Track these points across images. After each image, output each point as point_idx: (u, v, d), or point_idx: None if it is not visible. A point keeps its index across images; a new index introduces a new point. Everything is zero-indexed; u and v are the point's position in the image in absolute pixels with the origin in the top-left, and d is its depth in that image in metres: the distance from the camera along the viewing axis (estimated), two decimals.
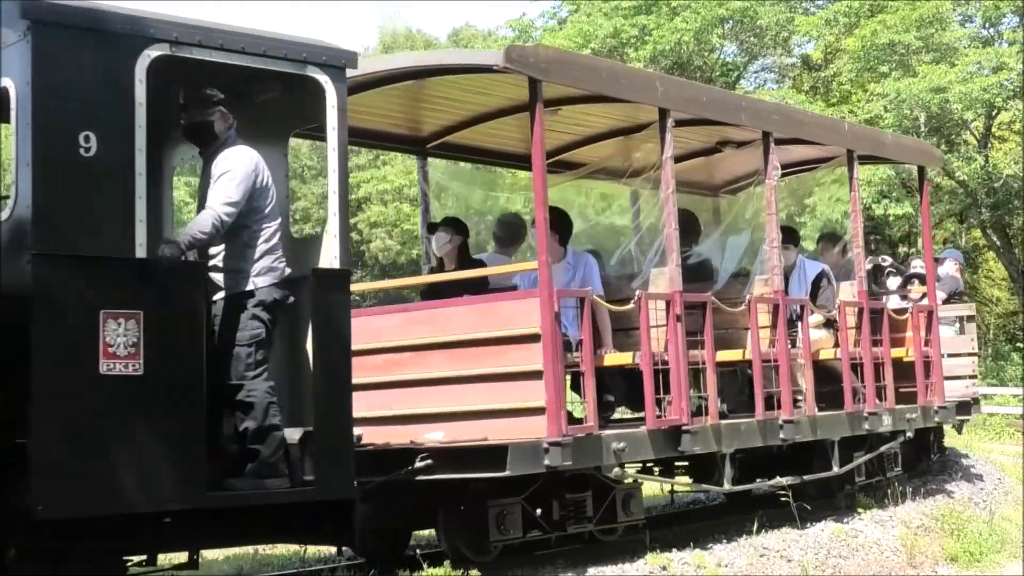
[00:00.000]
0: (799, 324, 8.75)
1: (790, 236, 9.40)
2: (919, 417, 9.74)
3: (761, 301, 8.11)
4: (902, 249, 32.66)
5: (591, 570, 6.79)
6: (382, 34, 48.02)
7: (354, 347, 5.86)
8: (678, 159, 9.31)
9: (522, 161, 9.50)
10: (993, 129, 27.59)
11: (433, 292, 7.84)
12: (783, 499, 8.25)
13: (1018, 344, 28.79)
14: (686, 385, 7.19)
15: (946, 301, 11.58)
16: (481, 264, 7.91)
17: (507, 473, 6.16)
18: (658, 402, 7.13)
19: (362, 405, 6.74)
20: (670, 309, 7.20)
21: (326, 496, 5.51)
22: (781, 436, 8.08)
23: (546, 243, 6.58)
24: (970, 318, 11.44)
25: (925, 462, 11.60)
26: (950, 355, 10.91)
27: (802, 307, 8.62)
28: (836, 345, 9.10)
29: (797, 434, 8.18)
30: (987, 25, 27.23)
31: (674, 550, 7.29)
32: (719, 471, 7.74)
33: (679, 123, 7.84)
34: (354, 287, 6.85)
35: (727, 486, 7.73)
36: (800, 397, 8.45)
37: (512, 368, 6.58)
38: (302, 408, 5.69)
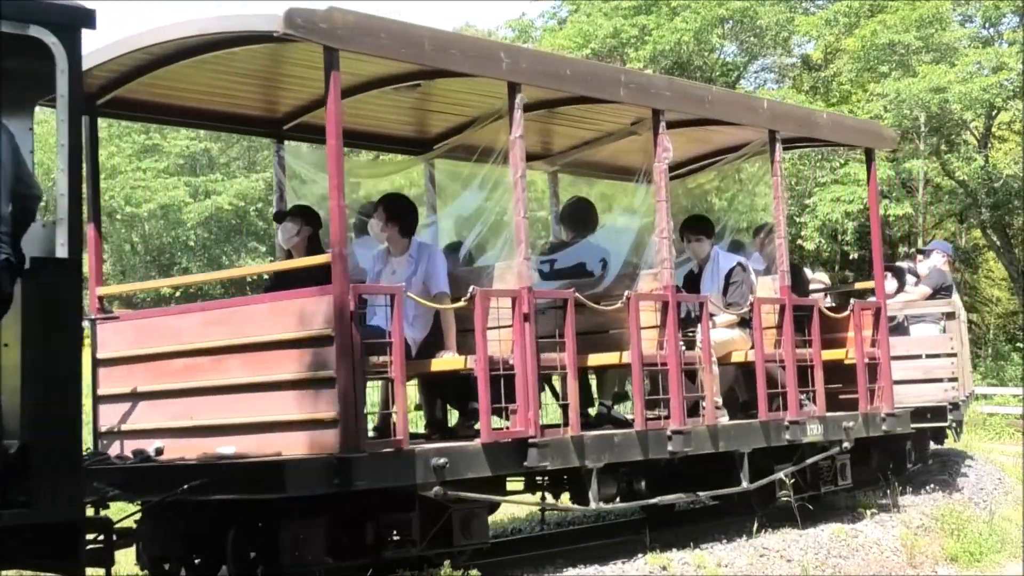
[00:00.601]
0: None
1: (702, 227, 8.68)
2: (859, 426, 8.81)
3: (646, 298, 7.24)
4: (902, 249, 32.70)
5: (591, 570, 6.80)
6: None
7: (152, 350, 5.52)
8: (588, 143, 8.84)
9: (394, 143, 9.18)
10: (993, 129, 27.60)
11: (280, 287, 6.81)
12: (783, 499, 8.24)
13: (1018, 344, 28.80)
14: (534, 393, 6.36)
15: (933, 297, 11.06)
16: None
17: (287, 494, 5.46)
18: (504, 411, 6.37)
19: (164, 414, 6.36)
20: (516, 307, 6.36)
21: (39, 519, 4.68)
22: (669, 448, 7.17)
23: (340, 232, 5.84)
24: (950, 315, 10.72)
25: (904, 471, 11.09)
26: (928, 356, 10.54)
27: (702, 304, 7.73)
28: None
29: (689, 446, 7.25)
30: (987, 25, 27.25)
31: (674, 550, 7.29)
32: (587, 487, 6.86)
33: (576, 101, 7.43)
34: (123, 288, 6.16)
35: (595, 504, 6.86)
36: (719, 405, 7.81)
37: (304, 375, 5.81)
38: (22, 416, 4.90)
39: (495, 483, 6.67)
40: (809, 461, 8.53)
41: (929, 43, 24.93)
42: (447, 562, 6.42)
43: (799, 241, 26.07)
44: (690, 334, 7.72)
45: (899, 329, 10.84)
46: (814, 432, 8.36)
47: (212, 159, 36.83)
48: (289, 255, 7.27)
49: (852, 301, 9.41)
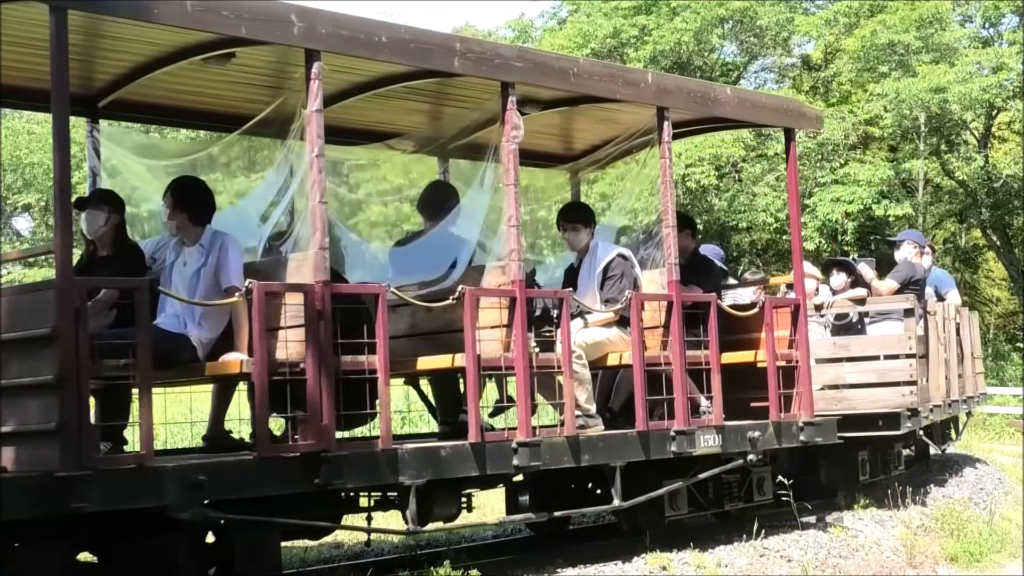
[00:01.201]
0: (578, 321, 7.34)
1: (579, 215, 7.87)
2: (769, 436, 7.92)
3: (487, 293, 6.53)
4: None
5: (591, 570, 6.79)
6: None
7: None
8: (483, 125, 7.53)
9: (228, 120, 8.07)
10: (993, 129, 27.60)
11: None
12: (784, 499, 8.24)
13: (1018, 344, 28.81)
14: (329, 400, 5.61)
15: (901, 291, 10.07)
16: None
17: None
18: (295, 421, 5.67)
19: None
20: (308, 303, 5.77)
21: None
22: (515, 463, 6.44)
23: (62, 219, 5.38)
24: (909, 312, 9.62)
25: (857, 483, 10.02)
26: (887, 357, 9.54)
27: (562, 301, 6.95)
28: (646, 348, 7.37)
29: (539, 460, 6.50)
30: (987, 25, 27.25)
31: (674, 550, 7.29)
32: (405, 504, 6.17)
33: (409, 76, 6.73)
34: None
35: (411, 526, 6.12)
36: (585, 415, 7.08)
37: (24, 380, 5.11)
38: None
39: (297, 503, 5.84)
40: (703, 475, 7.67)
41: (929, 43, 24.94)
42: (447, 562, 6.41)
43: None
44: (546, 334, 6.96)
45: (852, 328, 10.09)
46: (708, 443, 7.48)
47: (212, 159, 36.80)
48: (93, 245, 6.69)
49: (763, 298, 8.64)
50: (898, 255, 10.83)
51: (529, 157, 8.60)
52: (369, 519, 6.83)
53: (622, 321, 7.38)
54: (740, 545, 7.62)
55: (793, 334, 8.23)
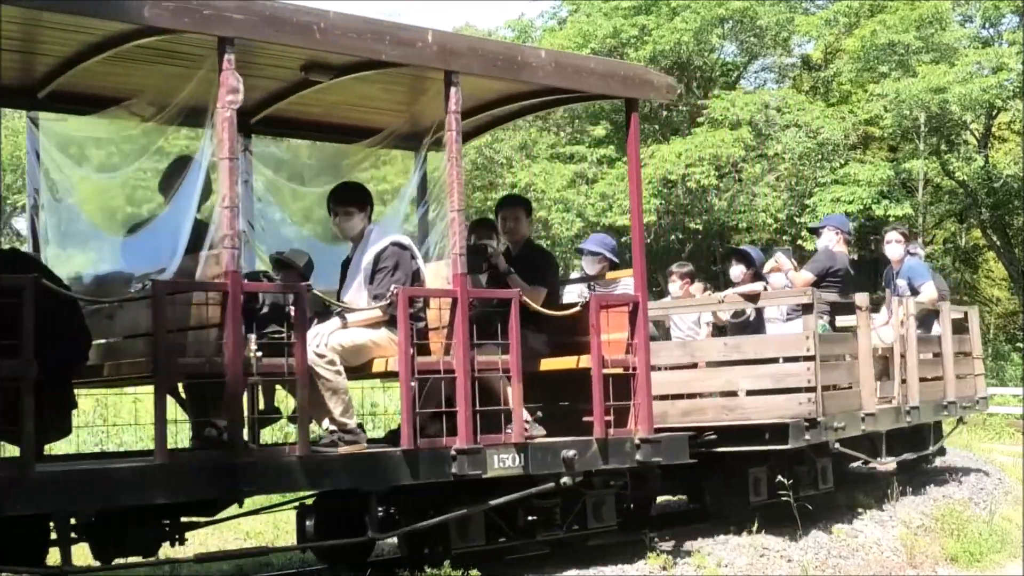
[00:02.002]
0: (335, 320, 6.36)
1: (352, 197, 6.78)
2: (592, 455, 6.79)
3: (196, 288, 5.69)
4: None
5: (591, 570, 6.79)
6: None
7: None
8: (276, 97, 6.86)
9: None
10: (993, 129, 27.60)
11: None
12: (784, 499, 8.24)
13: (1018, 344, 28.81)
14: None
15: (819, 283, 8.93)
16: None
17: None
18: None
19: None
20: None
21: None
22: (227, 488, 5.51)
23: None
24: (807, 307, 8.26)
25: (748, 506, 8.63)
26: (786, 359, 8.27)
27: (299, 296, 5.94)
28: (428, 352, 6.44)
29: (253, 484, 5.63)
30: (987, 25, 27.25)
31: (674, 550, 7.29)
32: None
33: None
34: None
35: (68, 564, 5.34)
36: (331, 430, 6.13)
37: None
38: None
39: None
40: (496, 502, 6.57)
41: (929, 43, 24.94)
42: (447, 562, 6.40)
43: (799, 242, 26.09)
44: (276, 336, 5.89)
45: (751, 327, 9.08)
46: (506, 464, 6.39)
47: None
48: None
49: (589, 293, 7.55)
50: (819, 243, 9.72)
51: (370, 134, 7.96)
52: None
53: (395, 321, 6.23)
54: (740, 545, 7.62)
55: (631, 337, 7.02)
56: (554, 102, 8.14)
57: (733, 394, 8.32)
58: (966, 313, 12.05)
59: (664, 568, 6.92)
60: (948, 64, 24.24)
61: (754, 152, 26.52)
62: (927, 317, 10.79)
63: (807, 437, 7.95)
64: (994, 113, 26.09)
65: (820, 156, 26.27)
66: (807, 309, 8.23)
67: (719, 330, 9.43)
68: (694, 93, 30.55)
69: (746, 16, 27.85)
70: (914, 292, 10.37)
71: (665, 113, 31.20)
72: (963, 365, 11.49)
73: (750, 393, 8.25)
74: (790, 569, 7.35)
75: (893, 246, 10.85)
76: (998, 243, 28.07)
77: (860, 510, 9.14)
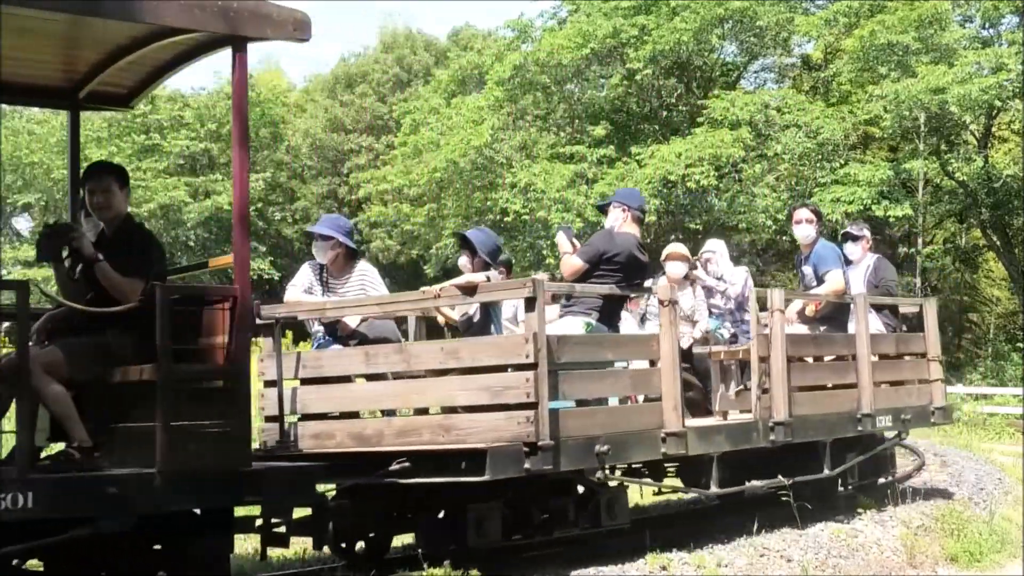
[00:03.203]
0: None
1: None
2: (149, 496, 4.92)
3: None
4: (902, 249, 32.73)
5: (591, 570, 6.79)
6: (382, 34, 48.12)
7: None
8: None
9: None
10: (993, 129, 27.60)
11: None
12: (783, 499, 8.23)
13: (1018, 344, 28.82)
14: None
15: (592, 271, 7.32)
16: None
17: None
18: None
19: None
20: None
21: None
22: None
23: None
24: (528, 301, 6.33)
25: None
26: (513, 368, 6.45)
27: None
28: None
29: None
30: (987, 25, 27.24)
31: (674, 550, 7.29)
32: None
33: None
34: None
35: None
36: None
37: None
38: None
39: None
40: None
41: (928, 44, 24.94)
42: (447, 562, 6.41)
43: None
44: None
45: (473, 327, 7.45)
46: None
47: (212, 159, 36.89)
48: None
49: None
50: (606, 223, 7.82)
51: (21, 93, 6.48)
52: None
53: None
54: (740, 545, 7.62)
55: (231, 341, 5.29)
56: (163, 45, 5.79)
57: (455, 410, 6.78)
58: (921, 307, 10.13)
59: (664, 568, 6.92)
60: (947, 64, 24.24)
61: (754, 152, 26.53)
62: (838, 313, 9.10)
63: (527, 466, 6.14)
64: (994, 113, 26.09)
65: (820, 156, 26.28)
66: (528, 305, 6.28)
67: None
68: (694, 93, 30.56)
69: (746, 16, 27.85)
70: (819, 281, 8.92)
71: (665, 113, 31.21)
72: (913, 369, 9.75)
73: (467, 410, 6.64)
74: (790, 569, 7.35)
75: (803, 227, 9.14)
76: (998, 243, 28.08)
77: (860, 510, 9.14)
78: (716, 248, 8.81)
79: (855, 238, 9.74)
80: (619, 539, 7.84)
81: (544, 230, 28.57)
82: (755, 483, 8.46)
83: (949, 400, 24.67)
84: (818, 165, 26.42)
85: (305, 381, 7.19)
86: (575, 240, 7.54)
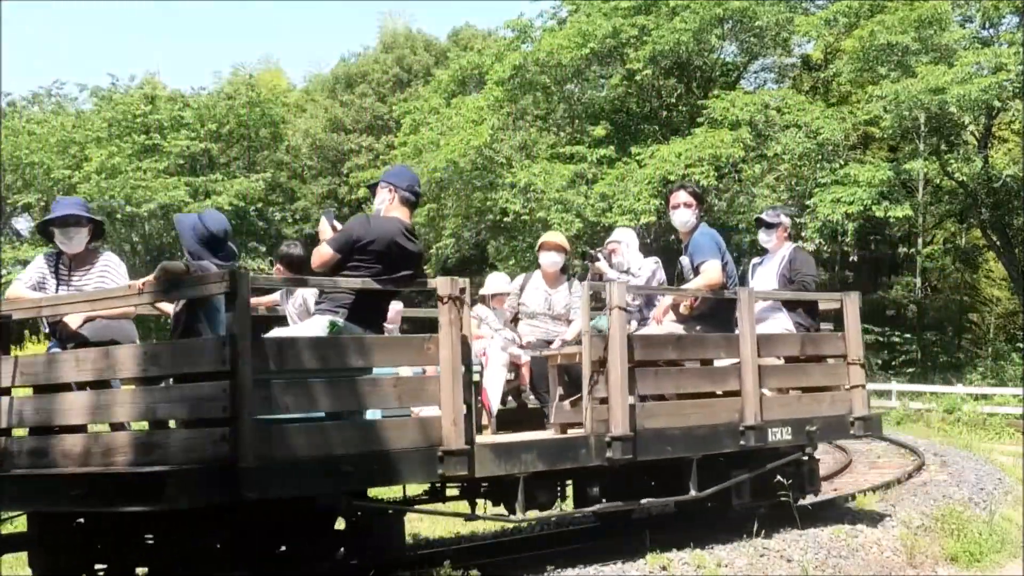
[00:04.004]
0: None
1: None
2: None
3: None
4: (902, 249, 32.75)
5: (591, 570, 6.79)
6: (382, 34, 48.14)
7: None
8: None
9: None
10: (993, 129, 27.60)
11: None
12: (783, 499, 8.21)
13: (1018, 344, 28.84)
14: None
15: (345, 262, 6.04)
16: None
17: None
18: None
19: None
20: None
21: None
22: None
23: None
24: (229, 297, 5.15)
25: None
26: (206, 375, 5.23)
27: None
28: None
29: None
30: (986, 25, 27.25)
31: (674, 550, 7.28)
32: None
33: None
34: None
35: None
36: None
37: None
38: None
39: None
40: None
41: (928, 44, 24.94)
42: (447, 562, 6.40)
43: (799, 242, 26.10)
44: None
45: (178, 329, 6.10)
46: None
47: (212, 159, 36.90)
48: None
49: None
50: (374, 205, 6.73)
51: None
52: None
53: None
54: (740, 545, 7.61)
55: None
56: None
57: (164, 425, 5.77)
58: (842, 302, 8.48)
59: (664, 568, 6.91)
60: (947, 65, 24.24)
61: (754, 153, 26.54)
62: (718, 310, 7.70)
63: (221, 492, 5.05)
64: (994, 113, 26.10)
65: (820, 157, 26.29)
66: (229, 302, 5.17)
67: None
68: (694, 93, 30.57)
69: (745, 16, 27.87)
70: (695, 272, 7.66)
71: (665, 113, 31.23)
72: (827, 374, 8.29)
73: (180, 424, 5.67)
74: (790, 569, 7.35)
75: (680, 212, 7.71)
76: (998, 243, 28.10)
77: (860, 510, 9.14)
78: (623, 238, 8.10)
79: (769, 225, 8.42)
80: (619, 539, 7.84)
81: (544, 230, 28.57)
82: (604, 506, 7.17)
83: (952, 403, 24.44)
84: (818, 165, 26.43)
85: (36, 389, 6.17)
86: (336, 224, 6.37)
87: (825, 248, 26.97)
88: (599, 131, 28.20)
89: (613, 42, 28.24)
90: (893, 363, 29.33)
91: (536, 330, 8.18)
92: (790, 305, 8.16)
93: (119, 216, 32.32)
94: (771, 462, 7.86)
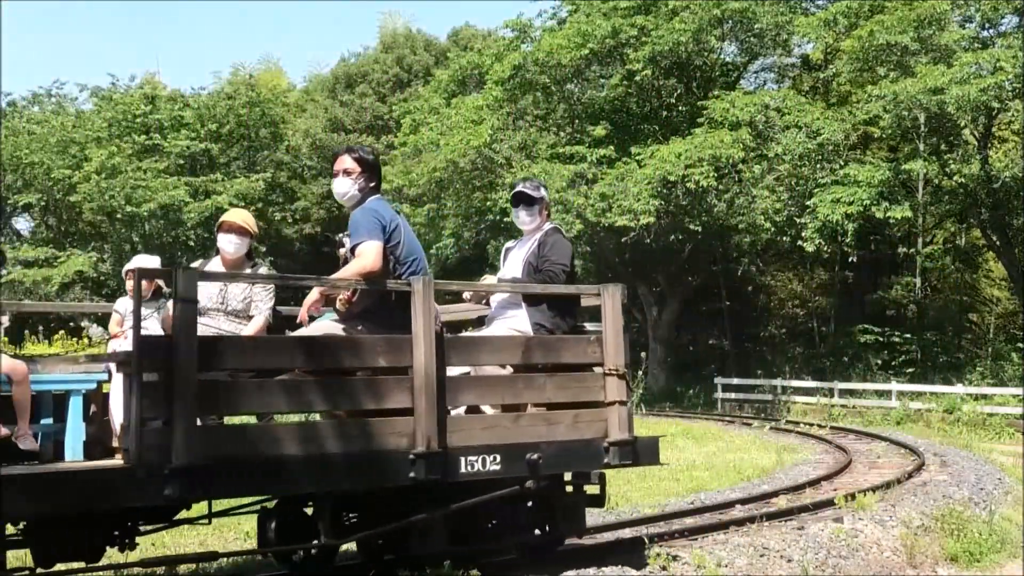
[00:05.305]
0: None
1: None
2: None
3: None
4: (902, 249, 32.74)
5: (591, 570, 6.79)
6: (382, 34, 48.14)
7: None
8: None
9: None
10: (993, 129, 27.59)
11: None
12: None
13: (1018, 344, 28.84)
14: None
15: None
16: None
17: None
18: None
19: None
20: None
21: None
22: None
23: None
24: None
25: None
26: None
27: None
28: None
29: None
30: (986, 26, 27.24)
31: (674, 550, 7.29)
32: None
33: None
34: None
35: None
36: None
37: None
38: None
39: None
40: None
41: (927, 44, 24.93)
42: (447, 563, 6.39)
43: (799, 242, 26.10)
44: None
45: None
46: None
47: (212, 159, 36.89)
48: None
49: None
50: None
51: None
52: None
53: None
54: (740, 545, 7.62)
55: None
56: None
57: None
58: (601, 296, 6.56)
59: (664, 568, 6.91)
60: (946, 65, 24.24)
61: (754, 153, 26.54)
62: (394, 304, 5.86)
63: None
64: (994, 113, 26.09)
65: (820, 157, 26.29)
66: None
67: None
68: (694, 93, 30.58)
69: (745, 17, 27.88)
70: (352, 252, 6.02)
71: (665, 113, 31.22)
72: (566, 387, 6.30)
73: None
74: (790, 569, 7.35)
75: (339, 181, 6.14)
76: (998, 243, 28.10)
77: (860, 510, 9.15)
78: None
79: (531, 200, 6.80)
80: (619, 539, 7.84)
81: None
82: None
83: (952, 403, 24.40)
84: (818, 166, 26.43)
85: None
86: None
87: (825, 248, 26.97)
88: (599, 131, 28.21)
89: (613, 42, 28.25)
90: (893, 363, 29.34)
91: (207, 330, 6.26)
92: (533, 300, 6.51)
93: (119, 216, 32.31)
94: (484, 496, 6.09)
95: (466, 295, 6.94)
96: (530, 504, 6.55)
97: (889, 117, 24.96)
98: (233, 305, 6.60)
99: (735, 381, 29.10)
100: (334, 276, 5.89)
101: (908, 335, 30.44)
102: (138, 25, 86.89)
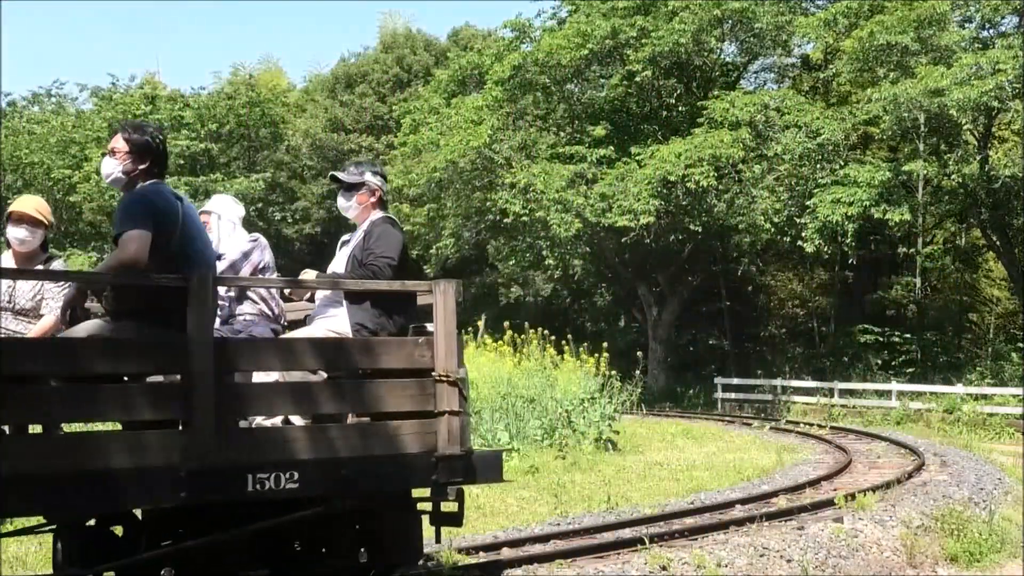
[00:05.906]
0: None
1: None
2: None
3: None
4: (901, 249, 32.73)
5: (591, 569, 6.79)
6: (382, 34, 48.13)
7: None
8: None
9: None
10: (993, 129, 27.59)
11: None
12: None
13: (1018, 344, 28.83)
14: None
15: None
16: None
17: None
18: None
19: None
20: None
21: None
22: None
23: None
24: None
25: None
26: None
27: None
28: None
29: None
30: (986, 26, 27.23)
31: (674, 550, 7.29)
32: None
33: None
34: None
35: None
36: None
37: None
38: None
39: None
40: None
41: (927, 44, 24.92)
42: (447, 563, 6.39)
43: (799, 243, 26.09)
44: None
45: None
46: None
47: (212, 159, 36.89)
48: None
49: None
50: None
51: None
52: None
53: None
54: (740, 545, 7.61)
55: None
56: None
57: None
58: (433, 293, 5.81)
59: (664, 568, 6.91)
60: (946, 66, 24.22)
61: (754, 153, 26.54)
62: (169, 301, 5.10)
63: None
64: (994, 114, 26.08)
65: (820, 157, 26.28)
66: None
67: None
68: (694, 93, 30.57)
69: (744, 17, 27.87)
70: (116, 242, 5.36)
71: (665, 114, 31.22)
72: (378, 395, 5.42)
73: None
74: (790, 569, 7.35)
75: (106, 162, 5.40)
76: (998, 243, 28.09)
77: (860, 510, 9.14)
78: (215, 207, 6.33)
79: (348, 187, 6.19)
80: (619, 539, 7.84)
81: (544, 230, 28.55)
82: None
83: (952, 403, 24.42)
84: (818, 166, 26.42)
85: None
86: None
87: (825, 249, 26.95)
88: (599, 131, 28.20)
89: (612, 42, 28.24)
90: (893, 363, 29.33)
91: None
92: (355, 298, 5.86)
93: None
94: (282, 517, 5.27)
95: (286, 292, 6.36)
96: (357, 527, 5.65)
97: (889, 118, 24.95)
98: (22, 303, 5.98)
99: (735, 381, 29.10)
100: (95, 269, 5.35)
101: (908, 335, 30.43)
102: (138, 25, 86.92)
